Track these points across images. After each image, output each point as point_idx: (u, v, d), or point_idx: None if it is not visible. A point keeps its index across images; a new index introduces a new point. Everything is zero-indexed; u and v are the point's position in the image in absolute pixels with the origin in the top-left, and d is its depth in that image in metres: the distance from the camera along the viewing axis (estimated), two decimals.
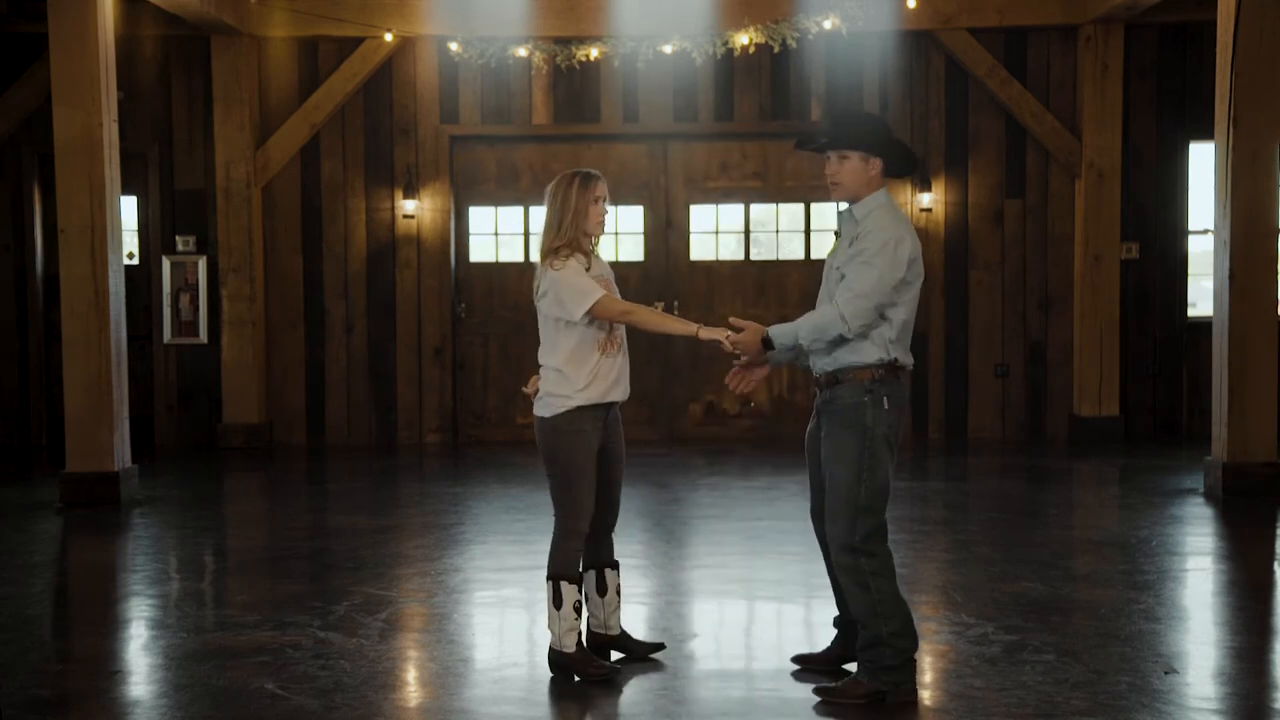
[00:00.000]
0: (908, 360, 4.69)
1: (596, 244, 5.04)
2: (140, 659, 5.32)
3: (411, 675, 5.09)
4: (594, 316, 4.83)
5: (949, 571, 6.58)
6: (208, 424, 11.75)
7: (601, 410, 4.92)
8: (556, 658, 4.88)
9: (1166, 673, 4.83)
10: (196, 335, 11.68)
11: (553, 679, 4.86)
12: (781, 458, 10.42)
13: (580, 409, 4.86)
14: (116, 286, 8.77)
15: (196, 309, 11.66)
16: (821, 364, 4.71)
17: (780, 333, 4.68)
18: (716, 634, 5.57)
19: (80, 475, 8.64)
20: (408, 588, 6.37)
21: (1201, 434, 10.66)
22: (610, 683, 4.81)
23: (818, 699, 4.61)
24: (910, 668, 4.60)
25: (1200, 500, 8.47)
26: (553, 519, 4.98)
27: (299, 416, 11.81)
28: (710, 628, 5.67)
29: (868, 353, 4.61)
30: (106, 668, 5.12)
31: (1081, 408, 11.43)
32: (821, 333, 4.59)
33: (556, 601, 4.84)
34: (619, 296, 5.00)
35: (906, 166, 4.86)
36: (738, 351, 4.76)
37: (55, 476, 8.93)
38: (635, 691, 4.75)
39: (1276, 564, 6.94)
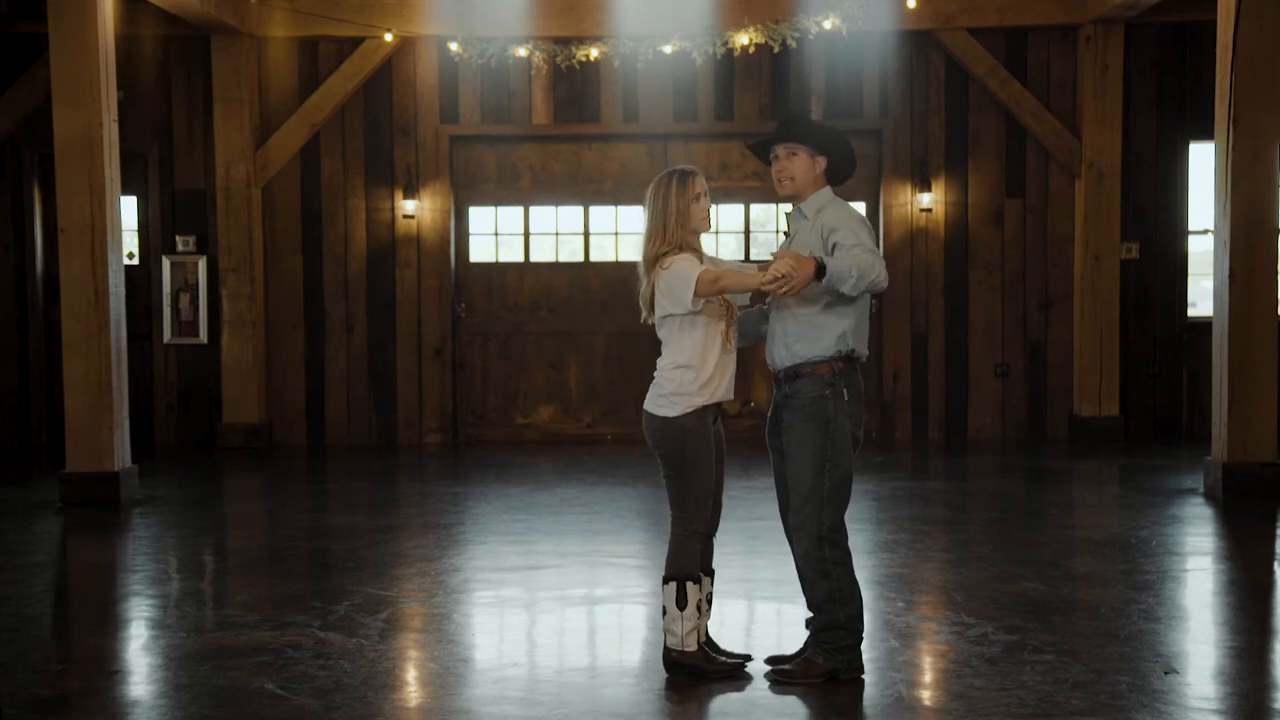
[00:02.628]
0: (863, 351, 4.81)
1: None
2: (140, 659, 5.32)
3: (411, 675, 5.09)
4: (700, 295, 4.70)
5: (949, 571, 6.58)
6: (208, 424, 11.75)
7: (715, 408, 4.87)
8: (680, 658, 4.83)
9: (1166, 673, 4.83)
10: (196, 335, 11.69)
11: (670, 679, 4.83)
12: None
13: (705, 407, 4.81)
14: (116, 286, 8.77)
15: (196, 309, 11.66)
16: (780, 359, 4.81)
17: (835, 264, 4.51)
18: (716, 634, 5.55)
19: (80, 475, 8.64)
20: (408, 588, 6.37)
21: (1201, 434, 10.66)
22: (733, 678, 4.83)
23: (776, 677, 4.79)
24: (859, 649, 4.79)
25: (1200, 500, 8.47)
26: (671, 520, 4.88)
27: (299, 416, 11.80)
28: (710, 628, 5.65)
29: (827, 345, 4.72)
30: (106, 668, 5.12)
31: (1081, 408, 11.43)
32: (865, 274, 4.54)
33: (680, 602, 4.78)
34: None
35: (848, 171, 4.92)
36: (786, 283, 4.48)
37: (55, 476, 8.93)
38: (635, 691, 4.75)
39: (1276, 564, 6.93)
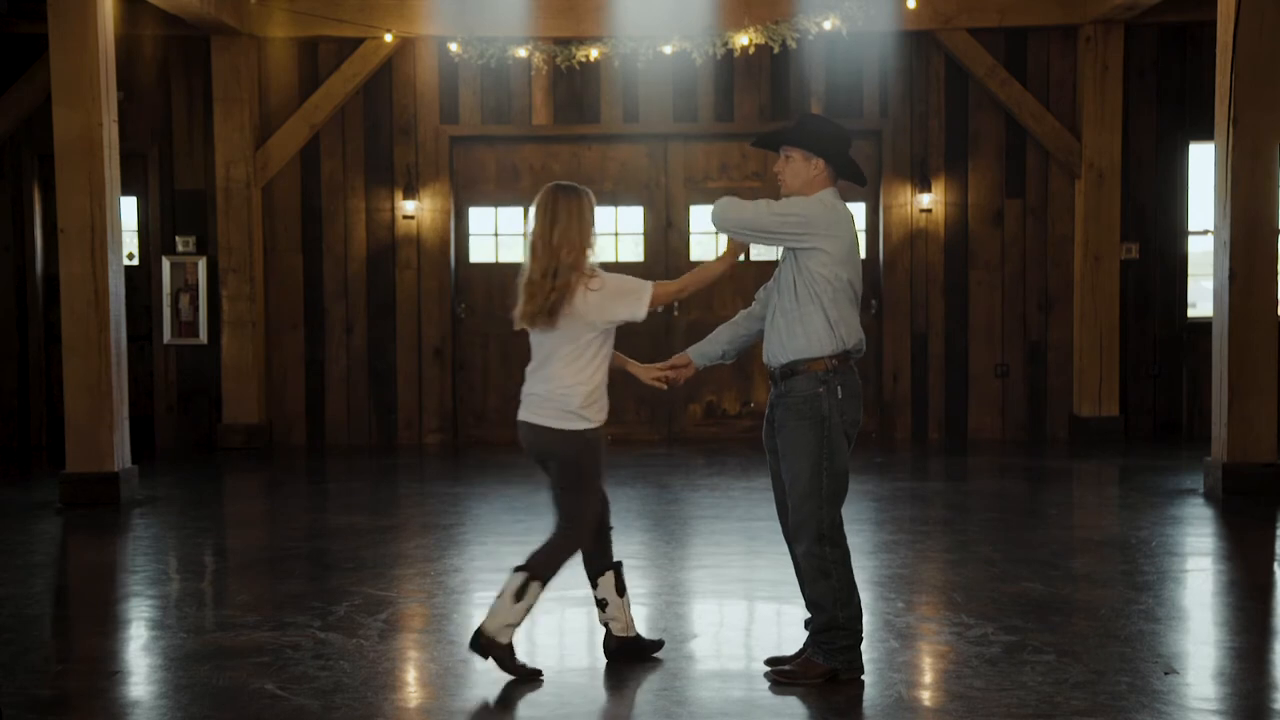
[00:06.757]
0: (857, 344, 4.78)
1: None
2: (140, 659, 5.32)
3: (411, 675, 5.09)
4: (655, 304, 4.86)
5: (949, 571, 6.58)
6: (208, 424, 11.75)
7: None
8: (489, 644, 4.82)
9: (1166, 673, 4.83)
10: (196, 335, 11.68)
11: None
12: None
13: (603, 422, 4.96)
14: (116, 286, 8.77)
15: (196, 309, 11.66)
16: (775, 357, 4.81)
17: (702, 351, 5.13)
18: (716, 634, 5.57)
19: (80, 475, 8.63)
20: (408, 588, 6.37)
21: (1201, 434, 10.66)
22: (532, 680, 4.82)
23: (776, 678, 4.79)
24: (859, 649, 4.79)
25: (1200, 500, 8.47)
26: (555, 525, 4.93)
27: (299, 416, 11.81)
28: (710, 628, 5.67)
29: (821, 342, 4.72)
30: (106, 668, 5.12)
31: (1081, 408, 11.43)
32: (724, 213, 4.81)
33: (519, 595, 4.79)
34: None
35: (849, 169, 4.90)
36: (674, 385, 5.20)
37: (55, 477, 8.93)
38: (635, 691, 4.75)
39: (1276, 564, 6.94)
